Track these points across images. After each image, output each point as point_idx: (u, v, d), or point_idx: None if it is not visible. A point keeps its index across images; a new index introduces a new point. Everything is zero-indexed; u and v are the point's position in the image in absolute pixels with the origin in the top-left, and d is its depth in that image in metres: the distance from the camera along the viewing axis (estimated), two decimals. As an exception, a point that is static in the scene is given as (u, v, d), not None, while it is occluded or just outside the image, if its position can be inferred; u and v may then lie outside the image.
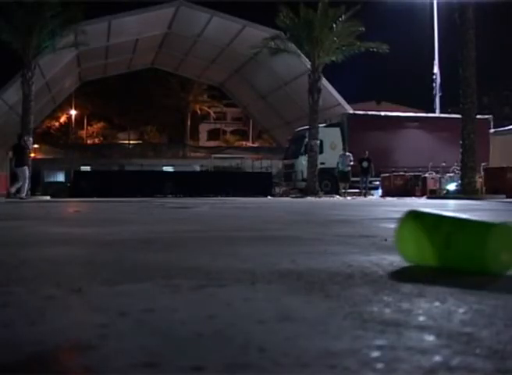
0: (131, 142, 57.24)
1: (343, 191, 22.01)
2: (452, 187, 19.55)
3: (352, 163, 22.03)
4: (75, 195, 19.21)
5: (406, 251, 2.02)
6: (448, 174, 21.23)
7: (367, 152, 22.14)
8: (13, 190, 17.30)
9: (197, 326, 1.15)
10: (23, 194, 17.17)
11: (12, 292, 1.54)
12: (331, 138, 25.44)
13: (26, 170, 17.36)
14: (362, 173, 22.17)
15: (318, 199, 18.44)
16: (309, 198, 19.31)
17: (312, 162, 23.06)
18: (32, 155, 21.91)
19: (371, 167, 22.11)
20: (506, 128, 22.90)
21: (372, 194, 23.47)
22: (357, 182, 22.64)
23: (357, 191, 22.90)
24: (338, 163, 22.30)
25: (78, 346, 1.02)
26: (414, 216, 2.04)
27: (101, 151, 48.34)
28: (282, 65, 29.98)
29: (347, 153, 22.42)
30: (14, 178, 18.39)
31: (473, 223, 1.94)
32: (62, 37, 21.20)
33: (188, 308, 1.34)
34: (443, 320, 1.18)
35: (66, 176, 29.94)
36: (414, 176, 23.07)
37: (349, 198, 20.47)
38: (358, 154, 22.13)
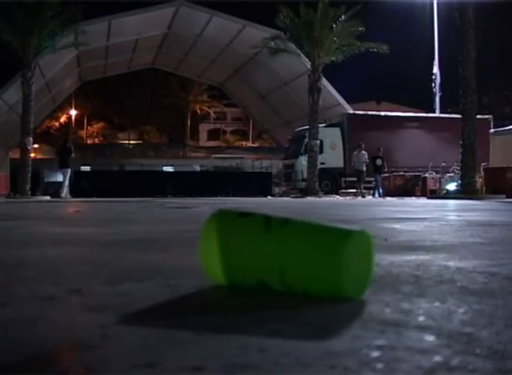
0: (131, 142, 57.30)
1: (360, 190, 21.71)
2: (452, 187, 19.55)
3: (367, 161, 21.72)
4: (75, 195, 19.21)
5: (206, 261, 1.58)
6: (448, 174, 21.22)
7: (381, 149, 21.71)
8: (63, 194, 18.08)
9: (197, 326, 1.15)
10: (63, 195, 17.84)
11: (11, 292, 1.54)
12: (331, 138, 25.45)
13: (69, 172, 18.03)
14: (375, 172, 21.62)
15: (317, 199, 18.45)
16: (309, 198, 19.32)
17: (312, 162, 23.05)
18: (32, 155, 21.94)
19: (383, 165, 21.71)
20: (506, 128, 22.91)
21: (373, 195, 23.42)
22: (355, 182, 22.54)
23: (355, 190, 22.89)
24: (353, 162, 22.03)
25: (78, 346, 1.02)
26: (220, 217, 1.57)
27: (101, 151, 48.39)
28: (282, 65, 29.97)
29: (363, 152, 21.99)
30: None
31: (318, 229, 1.47)
32: (62, 37, 21.20)
33: (188, 308, 1.34)
34: (443, 320, 1.18)
35: (66, 176, 29.92)
36: (414, 176, 23.06)
37: (348, 198, 20.45)
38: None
